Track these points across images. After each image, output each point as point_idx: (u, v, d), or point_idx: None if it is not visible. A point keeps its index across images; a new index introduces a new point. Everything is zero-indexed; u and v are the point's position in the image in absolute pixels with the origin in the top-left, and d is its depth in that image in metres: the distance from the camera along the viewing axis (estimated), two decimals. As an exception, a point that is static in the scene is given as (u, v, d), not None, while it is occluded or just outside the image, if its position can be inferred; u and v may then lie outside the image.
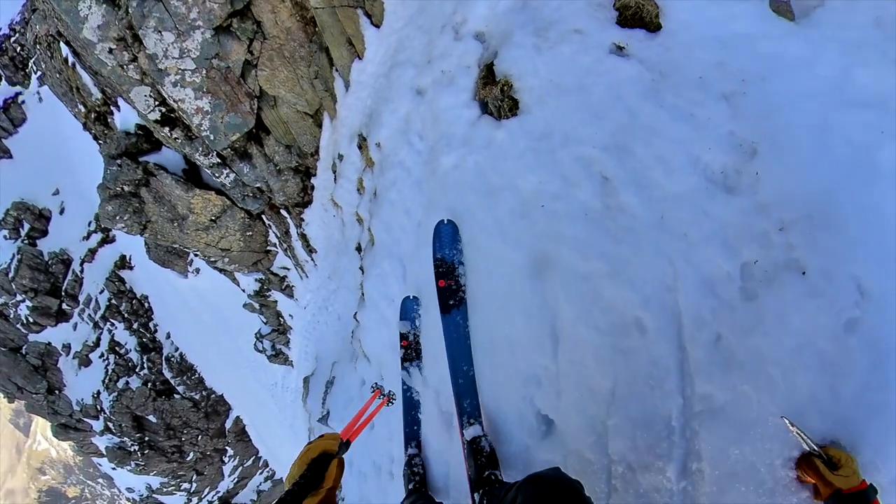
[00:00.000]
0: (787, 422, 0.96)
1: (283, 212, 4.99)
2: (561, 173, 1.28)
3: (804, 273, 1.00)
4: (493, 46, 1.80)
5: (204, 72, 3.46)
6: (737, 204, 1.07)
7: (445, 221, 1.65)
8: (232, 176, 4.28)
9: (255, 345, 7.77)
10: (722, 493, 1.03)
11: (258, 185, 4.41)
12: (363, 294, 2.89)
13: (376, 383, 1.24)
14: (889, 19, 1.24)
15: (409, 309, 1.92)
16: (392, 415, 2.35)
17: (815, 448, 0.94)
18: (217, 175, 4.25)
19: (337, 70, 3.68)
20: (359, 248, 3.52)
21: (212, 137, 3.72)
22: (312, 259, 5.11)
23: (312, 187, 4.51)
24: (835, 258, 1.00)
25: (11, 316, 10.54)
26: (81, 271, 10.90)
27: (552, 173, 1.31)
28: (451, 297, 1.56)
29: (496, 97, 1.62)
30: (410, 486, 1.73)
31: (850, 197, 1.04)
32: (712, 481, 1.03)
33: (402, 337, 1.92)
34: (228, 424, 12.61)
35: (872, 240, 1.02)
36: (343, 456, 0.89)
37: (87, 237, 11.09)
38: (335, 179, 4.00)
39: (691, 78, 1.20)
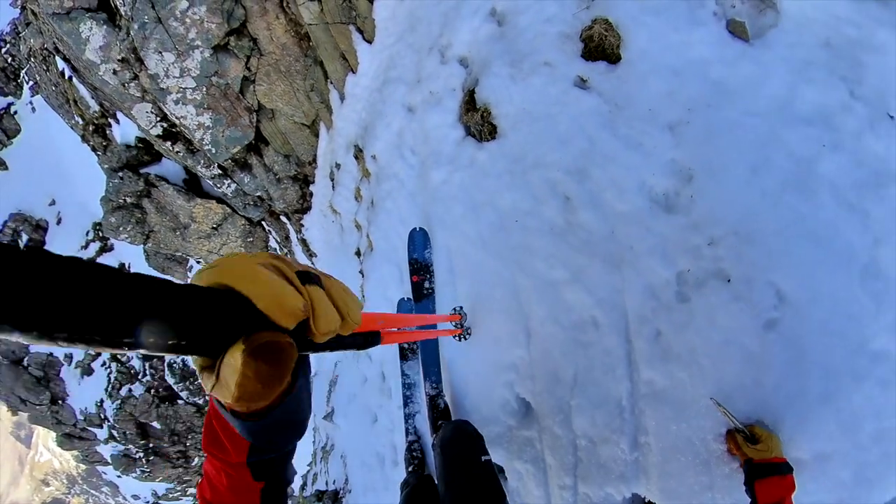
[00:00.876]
0: (714, 402, 1.15)
1: (282, 218, 5.13)
2: (532, 193, 1.49)
3: (729, 280, 1.20)
4: (475, 73, 1.99)
5: (204, 89, 3.60)
6: (674, 222, 1.27)
7: (418, 229, 1.93)
8: (233, 186, 4.43)
9: (257, 347, 7.91)
10: (666, 463, 1.24)
11: (258, 193, 4.56)
12: (364, 296, 3.07)
13: (461, 308, 1.27)
14: (839, 40, 1.32)
15: (404, 309, 2.13)
16: (394, 406, 2.55)
17: (738, 424, 1.10)
18: (219, 185, 4.40)
19: (332, 83, 3.82)
20: (358, 253, 3.68)
21: (213, 151, 3.87)
22: (312, 263, 5.27)
23: (311, 194, 4.65)
24: (755, 268, 1.19)
25: (12, 326, 10.59)
26: (81, 280, 10.93)
27: (525, 192, 1.51)
28: (423, 288, 1.90)
29: (477, 122, 1.82)
30: (410, 469, 1.97)
31: (782, 210, 1.22)
32: (658, 452, 1.24)
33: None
34: (232, 427, 12.72)
35: (791, 252, 1.18)
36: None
37: (86, 246, 11.12)
38: (333, 187, 4.14)
39: (642, 110, 1.40)
